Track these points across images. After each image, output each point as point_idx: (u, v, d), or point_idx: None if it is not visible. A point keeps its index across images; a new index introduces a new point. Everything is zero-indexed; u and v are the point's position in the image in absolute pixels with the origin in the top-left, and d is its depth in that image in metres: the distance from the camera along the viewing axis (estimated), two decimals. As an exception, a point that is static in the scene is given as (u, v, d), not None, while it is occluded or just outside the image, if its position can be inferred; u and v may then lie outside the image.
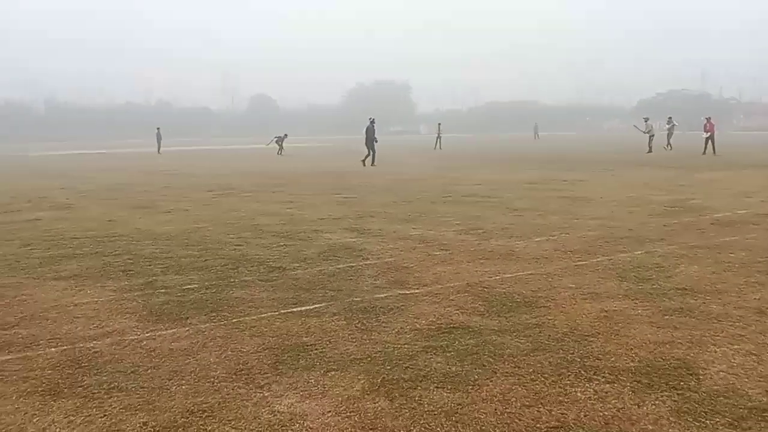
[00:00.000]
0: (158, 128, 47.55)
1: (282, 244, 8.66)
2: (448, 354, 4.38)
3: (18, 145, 73.69)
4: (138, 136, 79.43)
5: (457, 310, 5.43)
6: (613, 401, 3.58)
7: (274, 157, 35.82)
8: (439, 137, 45.02)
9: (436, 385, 3.86)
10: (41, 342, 4.83)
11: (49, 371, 4.23)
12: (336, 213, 11.74)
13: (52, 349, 4.66)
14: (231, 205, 13.43)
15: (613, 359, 4.21)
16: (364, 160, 25.36)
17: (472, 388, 3.80)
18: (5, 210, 13.18)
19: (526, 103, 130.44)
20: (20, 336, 4.97)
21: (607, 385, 3.80)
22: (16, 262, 7.76)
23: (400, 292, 6.05)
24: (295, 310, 5.52)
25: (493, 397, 3.68)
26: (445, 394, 3.73)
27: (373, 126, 25.91)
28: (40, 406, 3.70)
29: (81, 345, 4.72)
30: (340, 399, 3.69)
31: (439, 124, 48.28)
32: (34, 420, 3.52)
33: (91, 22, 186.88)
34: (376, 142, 25.76)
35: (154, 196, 15.45)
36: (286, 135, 41.19)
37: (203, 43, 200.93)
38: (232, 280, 6.66)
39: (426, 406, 3.59)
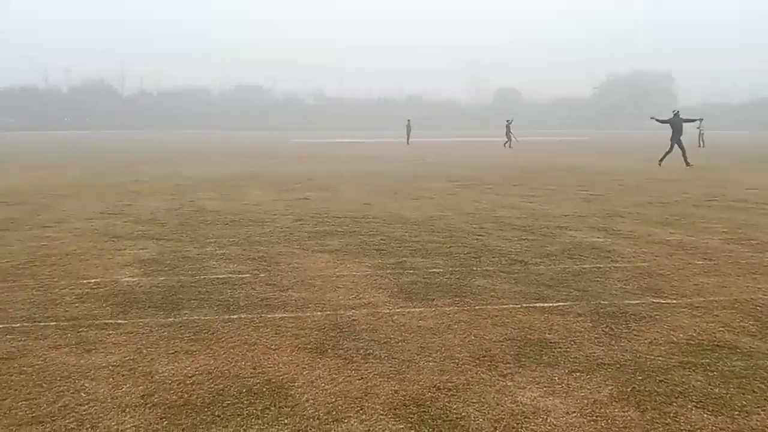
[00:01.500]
0: (409, 120, 50.29)
1: (523, 237, 8.60)
2: (710, 373, 3.97)
3: (290, 132, 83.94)
4: (389, 128, 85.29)
5: (723, 327, 4.87)
6: None
7: (514, 151, 35.59)
8: (701, 133, 40.50)
9: (694, 404, 3.53)
10: (310, 305, 5.47)
11: (316, 332, 4.78)
12: (581, 210, 11.28)
13: (318, 313, 5.25)
14: (472, 195, 13.70)
15: None
16: (685, 159, 22.24)
17: (738, 414, 3.40)
18: (284, 189, 15.13)
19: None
20: (293, 298, 5.69)
21: None
22: (290, 234, 8.87)
23: (654, 300, 5.61)
24: (537, 305, 5.46)
25: (765, 428, 3.25)
26: (705, 415, 3.39)
27: (680, 119, 22.67)
28: (308, 361, 4.20)
29: (342, 312, 5.25)
30: (585, 401, 3.58)
31: (701, 119, 43.37)
32: (304, 372, 4.01)
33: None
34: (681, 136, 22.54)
35: (404, 184, 16.43)
36: (510, 120, 40.89)
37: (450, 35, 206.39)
38: (474, 268, 6.81)
39: (682, 424, 3.30)
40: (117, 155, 32.00)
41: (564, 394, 3.67)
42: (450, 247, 7.95)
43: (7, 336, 4.68)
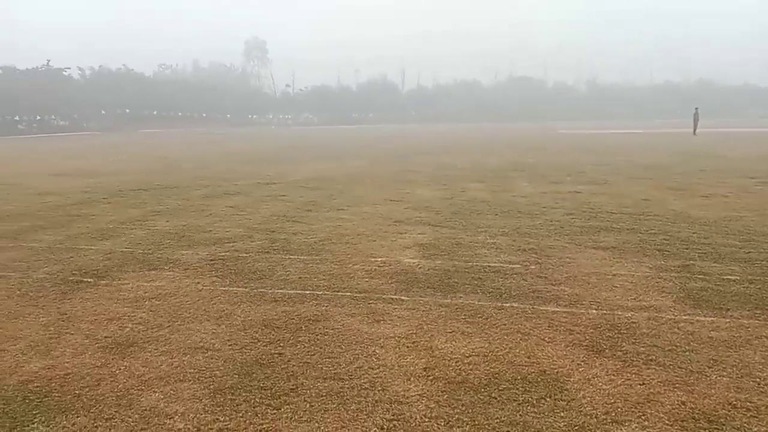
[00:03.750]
0: (696, 108, 45.33)
1: None
2: None
3: (559, 123, 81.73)
4: (671, 117, 77.76)
5: None
6: None
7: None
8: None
9: None
10: (584, 302, 5.32)
11: (591, 330, 4.64)
12: None
13: (593, 311, 5.08)
14: (780, 195, 11.81)
15: None
16: None
17: None
18: (553, 181, 14.87)
19: None
20: (566, 293, 5.60)
21: None
22: (560, 228, 8.70)
23: None
24: None
25: None
26: None
27: None
28: (584, 358, 4.11)
29: (619, 313, 5.01)
30: None
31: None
32: (580, 369, 3.94)
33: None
34: None
35: (689, 179, 14.88)
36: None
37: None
38: (781, 278, 5.90)
39: None
40: (395, 147, 34.65)
41: None
42: (749, 252, 7.00)
43: (313, 301, 5.44)
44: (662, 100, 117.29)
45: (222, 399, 3.60)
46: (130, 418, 3.41)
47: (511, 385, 3.69)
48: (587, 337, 4.48)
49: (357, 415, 3.39)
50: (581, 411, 3.36)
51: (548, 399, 3.51)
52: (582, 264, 6.63)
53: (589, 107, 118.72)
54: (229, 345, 4.44)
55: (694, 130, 43.02)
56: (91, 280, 6.27)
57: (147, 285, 6.04)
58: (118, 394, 3.70)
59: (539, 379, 3.77)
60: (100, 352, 4.36)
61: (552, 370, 3.92)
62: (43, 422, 3.38)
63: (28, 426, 3.34)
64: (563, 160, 21.93)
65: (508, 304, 5.26)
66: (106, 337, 4.65)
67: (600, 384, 3.70)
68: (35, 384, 3.85)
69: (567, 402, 3.47)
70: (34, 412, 3.49)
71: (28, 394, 3.71)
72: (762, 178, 14.80)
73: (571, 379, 3.76)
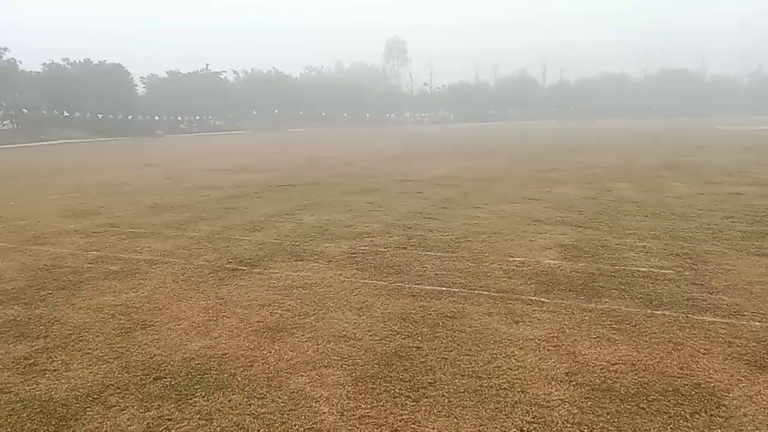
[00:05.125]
0: None
1: None
2: None
3: (717, 119, 75.13)
4: None
5: None
6: None
7: None
8: None
9: None
10: (745, 313, 4.88)
11: (754, 343, 4.25)
12: None
13: (756, 323, 4.65)
14: None
15: None
16: None
17: None
18: (710, 181, 13.72)
19: None
20: (724, 302, 5.16)
21: None
22: (719, 232, 8.02)
23: None
24: None
25: None
26: None
27: None
28: (745, 373, 3.78)
29: (788, 327, 4.54)
30: None
31: None
32: (740, 385, 3.62)
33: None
34: None
35: None
36: None
37: None
38: None
39: None
40: (537, 144, 33.72)
41: None
42: None
43: (450, 298, 5.47)
44: None
45: (363, 387, 3.74)
46: (279, 399, 3.64)
47: (662, 397, 3.48)
48: (749, 351, 4.11)
49: (496, 415, 3.36)
50: (741, 429, 3.09)
51: (703, 414, 3.26)
52: (743, 272, 6.08)
53: (754, 101, 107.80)
54: (370, 335, 4.59)
55: None
56: (245, 268, 6.76)
57: (294, 275, 6.40)
58: (269, 375, 3.96)
59: (693, 393, 3.52)
60: (253, 335, 4.69)
61: (708, 383, 3.64)
62: (204, 397, 3.70)
63: (191, 399, 3.68)
64: (722, 159, 20.16)
65: (659, 312, 4.95)
66: (258, 321, 5.00)
67: (763, 402, 3.38)
68: (196, 362, 4.23)
69: (725, 419, 3.21)
70: (196, 387, 3.84)
71: (191, 371, 4.08)
72: None
73: (730, 395, 3.47)
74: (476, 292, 5.64)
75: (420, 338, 4.52)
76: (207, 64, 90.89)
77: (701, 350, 4.14)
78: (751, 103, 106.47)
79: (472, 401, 3.53)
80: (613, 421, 3.24)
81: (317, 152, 30.66)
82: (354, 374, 3.93)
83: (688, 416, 3.26)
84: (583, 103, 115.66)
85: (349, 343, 4.45)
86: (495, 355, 4.17)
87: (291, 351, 4.35)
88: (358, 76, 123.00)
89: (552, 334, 4.52)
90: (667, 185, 13.29)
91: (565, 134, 47.24)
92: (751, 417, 3.23)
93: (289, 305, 5.38)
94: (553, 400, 3.50)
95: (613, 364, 3.95)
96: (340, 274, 6.36)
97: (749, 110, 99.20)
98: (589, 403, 3.44)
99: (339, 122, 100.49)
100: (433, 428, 3.26)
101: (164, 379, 3.95)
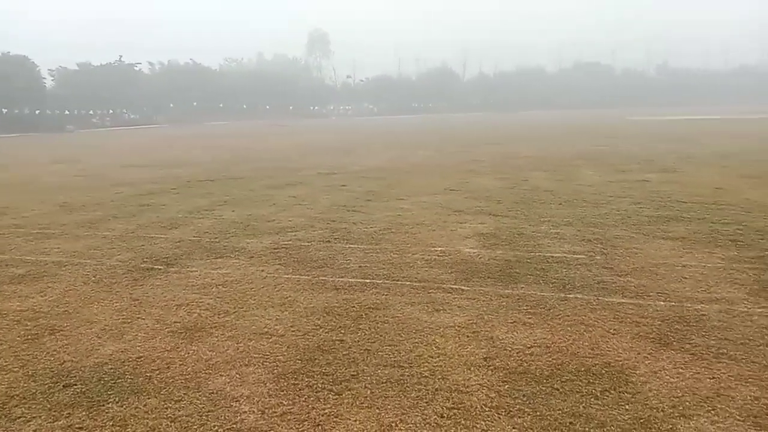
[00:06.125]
0: None
1: None
2: None
3: (628, 109, 79.12)
4: (755, 102, 74.09)
5: None
6: None
7: None
8: None
9: None
10: (651, 294, 5.16)
11: (659, 322, 4.50)
12: None
13: (661, 303, 4.92)
14: None
15: None
16: None
17: None
18: (620, 170, 14.42)
19: None
20: (632, 284, 5.44)
21: None
22: (627, 218, 8.44)
23: None
24: None
25: None
26: None
27: None
28: (651, 351, 3.99)
29: (688, 305, 4.83)
30: None
31: None
32: (646, 362, 3.83)
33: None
34: None
35: (767, 167, 14.12)
36: None
37: None
38: None
39: None
40: (455, 137, 34.37)
41: None
42: (832, 243, 6.61)
43: (374, 290, 5.49)
44: (739, 85, 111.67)
45: (285, 383, 3.70)
46: (198, 400, 3.55)
47: (575, 377, 3.63)
48: (654, 330, 4.35)
49: (417, 403, 3.41)
50: (647, 404, 3.27)
51: (612, 391, 3.43)
52: (650, 254, 6.43)
53: (661, 93, 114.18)
54: (293, 331, 4.54)
55: None
56: (162, 267, 6.53)
57: (214, 272, 6.24)
58: (187, 377, 3.85)
59: (603, 371, 3.69)
60: (170, 336, 4.55)
61: (617, 362, 3.82)
62: (117, 402, 3.56)
63: (104, 405, 3.52)
64: (631, 147, 21.22)
65: (572, 295, 5.16)
66: (175, 322, 4.85)
67: (667, 377, 3.59)
68: (109, 366, 4.05)
69: (632, 395, 3.38)
70: (109, 393, 3.68)
71: (103, 376, 3.91)
72: None
73: (637, 372, 3.67)
74: (399, 282, 5.69)
75: (343, 331, 4.51)
76: (120, 56, 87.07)
77: (611, 331, 4.35)
78: (658, 95, 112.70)
79: (394, 391, 3.56)
80: (529, 403, 3.35)
81: (239, 146, 30.02)
82: (276, 371, 3.87)
83: (598, 394, 3.41)
84: (503, 95, 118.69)
85: (270, 340, 4.38)
86: (417, 344, 4.22)
87: (210, 351, 4.24)
88: (281, 68, 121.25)
89: (471, 321, 4.62)
90: (580, 174, 13.87)
91: (485, 126, 48.38)
92: (655, 391, 3.42)
93: (209, 304, 5.25)
94: (472, 385, 3.58)
95: (529, 347, 4.08)
96: (262, 270, 6.26)
97: (657, 101, 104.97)
98: (507, 386, 3.55)
99: (261, 115, 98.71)
100: (356, 420, 3.27)
101: (75, 386, 3.76)
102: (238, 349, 4.25)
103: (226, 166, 18.76)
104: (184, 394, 3.62)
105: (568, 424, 3.13)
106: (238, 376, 3.83)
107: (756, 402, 3.25)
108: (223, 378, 3.81)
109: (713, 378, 3.56)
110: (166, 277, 6.12)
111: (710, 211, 8.70)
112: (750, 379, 3.52)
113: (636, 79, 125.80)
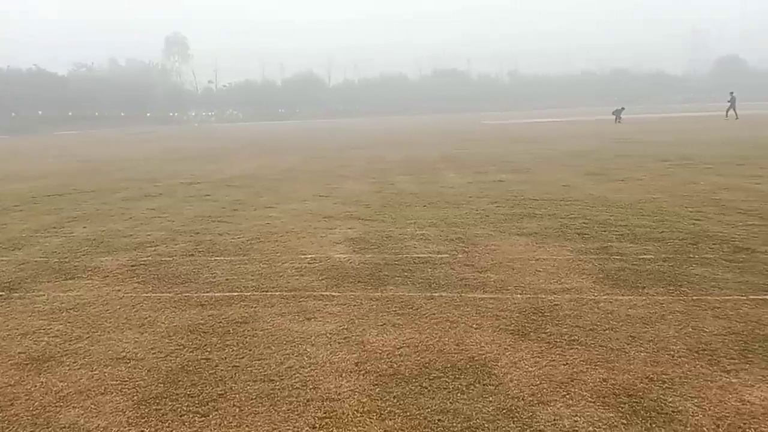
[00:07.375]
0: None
1: (750, 222, 7.69)
2: None
3: (484, 113, 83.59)
4: (591, 105, 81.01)
5: None
6: None
7: (738, 126, 31.68)
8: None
9: None
10: (509, 288, 5.45)
11: (517, 314, 4.76)
12: (825, 192, 9.75)
13: (518, 296, 5.22)
14: (688, 177, 12.50)
15: None
16: None
17: None
18: (478, 171, 15.16)
19: None
20: (492, 279, 5.72)
21: None
22: (486, 216, 8.89)
23: None
24: (767, 297, 4.88)
25: None
26: None
27: None
28: (510, 342, 4.21)
29: (543, 296, 5.16)
30: (832, 409, 3.14)
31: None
32: (506, 353, 4.03)
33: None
34: None
35: (608, 164, 15.53)
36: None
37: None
38: (691, 255, 6.25)
39: None
40: (322, 142, 34.44)
41: (804, 399, 3.25)
42: (662, 232, 7.37)
43: (242, 303, 5.33)
44: (581, 90, 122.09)
45: (146, 410, 3.47)
46: (47, 437, 3.23)
47: (442, 374, 3.74)
48: (513, 322, 4.59)
49: (288, 416, 3.34)
50: (509, 394, 3.44)
51: (477, 385, 3.57)
52: (507, 251, 6.80)
53: (513, 98, 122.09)
54: (153, 353, 4.28)
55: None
56: (3, 293, 5.92)
57: (64, 295, 5.75)
58: (34, 412, 3.50)
59: (468, 366, 3.83)
60: (13, 369, 4.12)
61: (480, 356, 3.99)
62: (-50, 449, 3.16)
63: (-68, 454, 3.12)
64: (487, 150, 22.42)
65: (437, 294, 5.32)
66: (20, 353, 4.40)
67: (526, 367, 3.80)
68: (-60, 408, 3.59)
69: (495, 386, 3.54)
70: (-60, 439, 3.26)
71: (-67, 420, 3.45)
72: (674, 161, 15.64)
73: (499, 364, 3.85)
74: (269, 293, 5.57)
75: (209, 349, 4.33)
76: (-53, 60, 78.20)
77: (474, 325, 4.54)
78: (511, 99, 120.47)
79: (264, 406, 3.46)
80: (399, 404, 3.40)
81: (90, 156, 28.00)
82: (135, 398, 3.63)
83: (464, 389, 3.53)
84: (368, 101, 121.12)
85: (129, 365, 4.10)
86: (287, 356, 4.14)
87: (61, 382, 3.88)
88: (136, 73, 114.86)
89: (342, 327, 4.62)
90: (442, 176, 14.43)
91: (351, 131, 48.95)
92: (516, 381, 3.60)
93: (58, 330, 4.82)
94: (343, 392, 3.57)
95: (398, 348, 4.15)
96: (119, 290, 5.86)
97: (510, 105, 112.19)
98: (378, 389, 3.58)
99: (116, 123, 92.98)
100: (225, 441, 3.14)
101: None
102: (92, 377, 3.93)
103: (76, 178, 17.41)
104: (32, 431, 3.29)
105: (436, 421, 3.21)
106: (93, 406, 3.54)
107: (604, 383, 3.53)
108: (76, 410, 3.50)
109: (566, 364, 3.82)
110: (8, 304, 5.54)
111: (559, 207, 9.40)
112: (599, 363, 3.81)
113: (490, 86, 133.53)
